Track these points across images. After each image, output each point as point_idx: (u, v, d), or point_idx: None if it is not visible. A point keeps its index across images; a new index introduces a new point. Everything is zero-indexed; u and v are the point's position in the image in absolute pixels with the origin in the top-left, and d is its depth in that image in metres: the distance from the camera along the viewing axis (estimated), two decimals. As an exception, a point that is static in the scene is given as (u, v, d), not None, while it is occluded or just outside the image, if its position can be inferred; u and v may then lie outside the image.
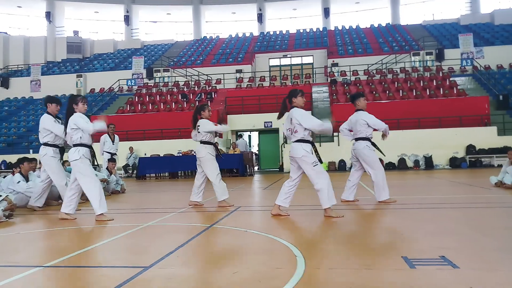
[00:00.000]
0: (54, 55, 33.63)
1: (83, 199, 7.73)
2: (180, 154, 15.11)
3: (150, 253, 3.49)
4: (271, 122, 19.06)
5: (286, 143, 17.56)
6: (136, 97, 23.12)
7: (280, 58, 28.89)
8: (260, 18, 36.15)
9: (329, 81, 23.52)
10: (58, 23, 34.98)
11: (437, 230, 4.13)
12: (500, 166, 9.46)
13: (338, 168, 16.71)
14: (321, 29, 33.98)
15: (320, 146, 17.14)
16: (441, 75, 22.12)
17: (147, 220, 5.15)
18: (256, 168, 16.76)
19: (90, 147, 5.41)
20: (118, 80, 25.92)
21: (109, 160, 9.64)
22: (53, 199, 7.54)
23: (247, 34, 35.00)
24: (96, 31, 38.32)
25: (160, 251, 3.47)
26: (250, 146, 22.11)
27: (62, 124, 6.35)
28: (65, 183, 6.37)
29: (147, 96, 23.21)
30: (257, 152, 21.23)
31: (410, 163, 16.45)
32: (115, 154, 10.00)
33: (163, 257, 3.24)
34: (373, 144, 6.14)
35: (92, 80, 27.92)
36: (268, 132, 19.89)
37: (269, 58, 28.80)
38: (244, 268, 2.90)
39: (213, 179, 6.21)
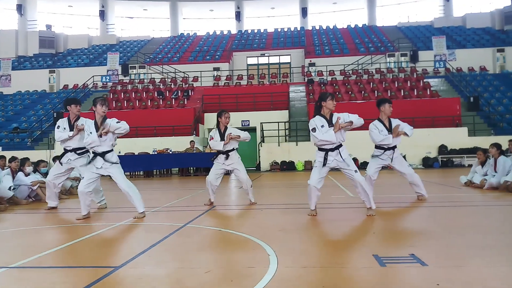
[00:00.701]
0: (25, 50, 32.63)
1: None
2: (155, 153, 14.92)
3: (121, 253, 3.44)
4: (248, 121, 19.06)
5: (264, 142, 17.60)
6: (111, 94, 22.70)
7: (258, 56, 28.90)
8: (238, 16, 36.06)
9: (306, 80, 23.69)
10: (30, 16, 33.93)
11: (407, 228, 4.22)
12: (470, 166, 9.74)
13: (314, 167, 16.82)
14: (298, 29, 34.17)
15: (296, 145, 17.26)
16: (415, 76, 22.58)
17: (120, 220, 5.06)
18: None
19: (102, 153, 5.14)
20: (93, 76, 25.37)
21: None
22: (23, 197, 7.34)
23: (225, 32, 34.86)
24: (70, 26, 37.39)
25: (131, 251, 3.42)
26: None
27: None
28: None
29: (122, 93, 22.83)
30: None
31: (384, 163, 16.72)
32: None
33: (134, 257, 3.19)
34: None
35: (66, 76, 27.25)
36: (245, 131, 19.85)
37: (247, 57, 28.77)
38: (217, 267, 2.89)
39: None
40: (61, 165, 6.09)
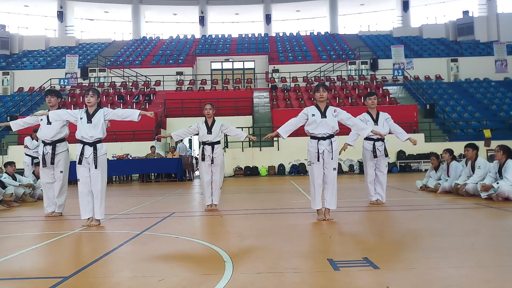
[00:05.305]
0: (-23, 50, 31.12)
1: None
2: (115, 158, 14.53)
3: (72, 263, 3.31)
4: (211, 126, 18.93)
5: (227, 147, 17.54)
6: (69, 98, 22.01)
7: (222, 62, 28.87)
8: (202, 20, 35.92)
9: (269, 86, 23.88)
10: (-18, 15, 32.45)
11: (363, 232, 4.31)
12: (427, 170, 10.11)
13: (278, 172, 16.95)
14: (262, 35, 34.44)
15: (260, 150, 17.33)
16: (374, 83, 23.25)
17: (74, 227, 4.88)
18: (196, 172, 16.54)
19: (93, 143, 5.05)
20: (50, 79, 24.49)
21: (36, 164, 9.06)
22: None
23: (189, 36, 34.60)
24: (26, 26, 35.95)
25: (83, 260, 3.30)
26: (191, 149, 21.80)
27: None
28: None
29: (81, 97, 22.15)
30: (197, 156, 20.99)
31: (345, 168, 17.08)
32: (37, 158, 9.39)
33: (85, 266, 3.08)
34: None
35: (21, 78, 26.16)
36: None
37: (211, 62, 28.69)
38: (171, 275, 2.83)
39: None
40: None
